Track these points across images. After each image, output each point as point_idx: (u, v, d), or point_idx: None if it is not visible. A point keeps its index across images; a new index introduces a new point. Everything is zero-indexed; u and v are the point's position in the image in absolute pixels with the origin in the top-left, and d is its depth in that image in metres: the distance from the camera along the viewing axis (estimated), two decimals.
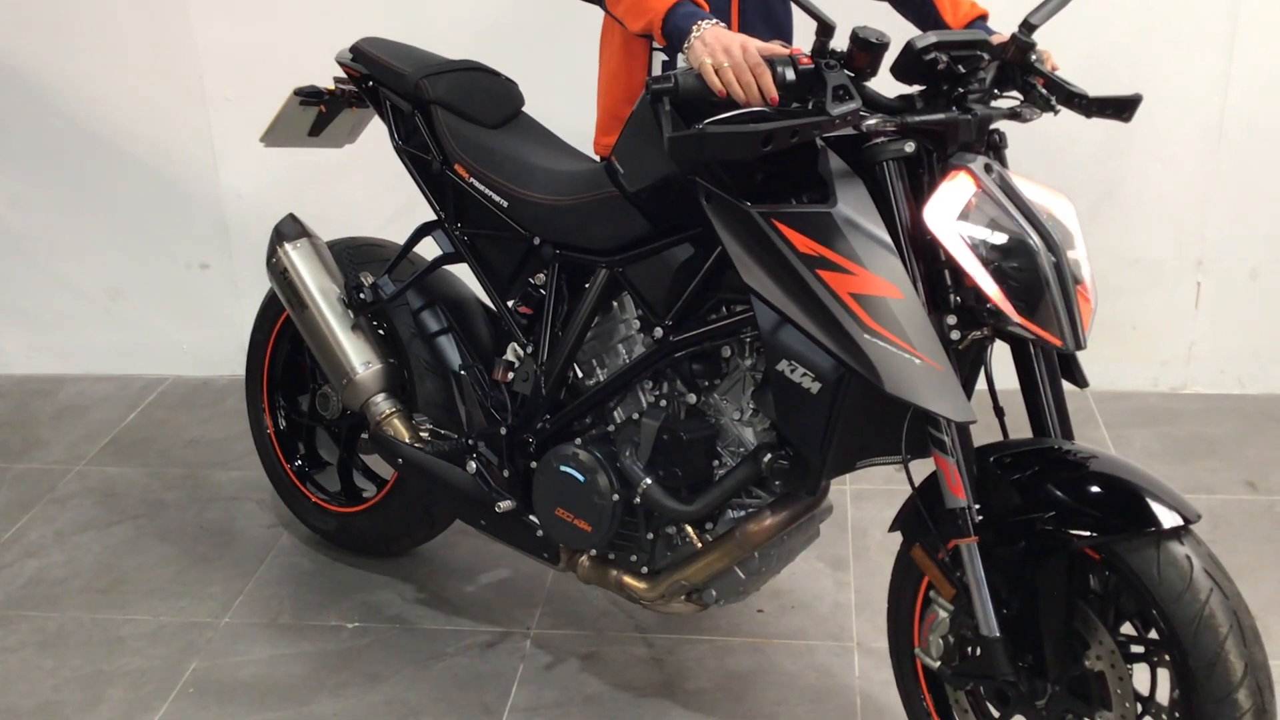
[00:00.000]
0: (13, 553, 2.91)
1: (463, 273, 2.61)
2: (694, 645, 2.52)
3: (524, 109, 2.57)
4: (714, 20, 1.90)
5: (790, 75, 1.80)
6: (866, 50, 1.80)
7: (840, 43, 1.83)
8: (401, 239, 2.78)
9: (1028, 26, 1.91)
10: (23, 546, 2.93)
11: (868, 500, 3.00)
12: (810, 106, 1.81)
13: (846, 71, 1.81)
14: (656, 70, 2.29)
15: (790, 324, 1.84)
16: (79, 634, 2.61)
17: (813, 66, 1.80)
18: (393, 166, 3.41)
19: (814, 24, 1.79)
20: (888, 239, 1.79)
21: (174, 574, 2.81)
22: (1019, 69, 1.92)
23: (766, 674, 2.43)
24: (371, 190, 3.47)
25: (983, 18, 2.18)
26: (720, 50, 1.83)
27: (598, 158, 2.48)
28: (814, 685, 2.39)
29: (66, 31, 3.48)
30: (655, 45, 2.26)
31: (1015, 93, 1.95)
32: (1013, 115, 1.92)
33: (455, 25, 3.28)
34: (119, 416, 3.54)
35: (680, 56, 1.94)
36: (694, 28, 1.89)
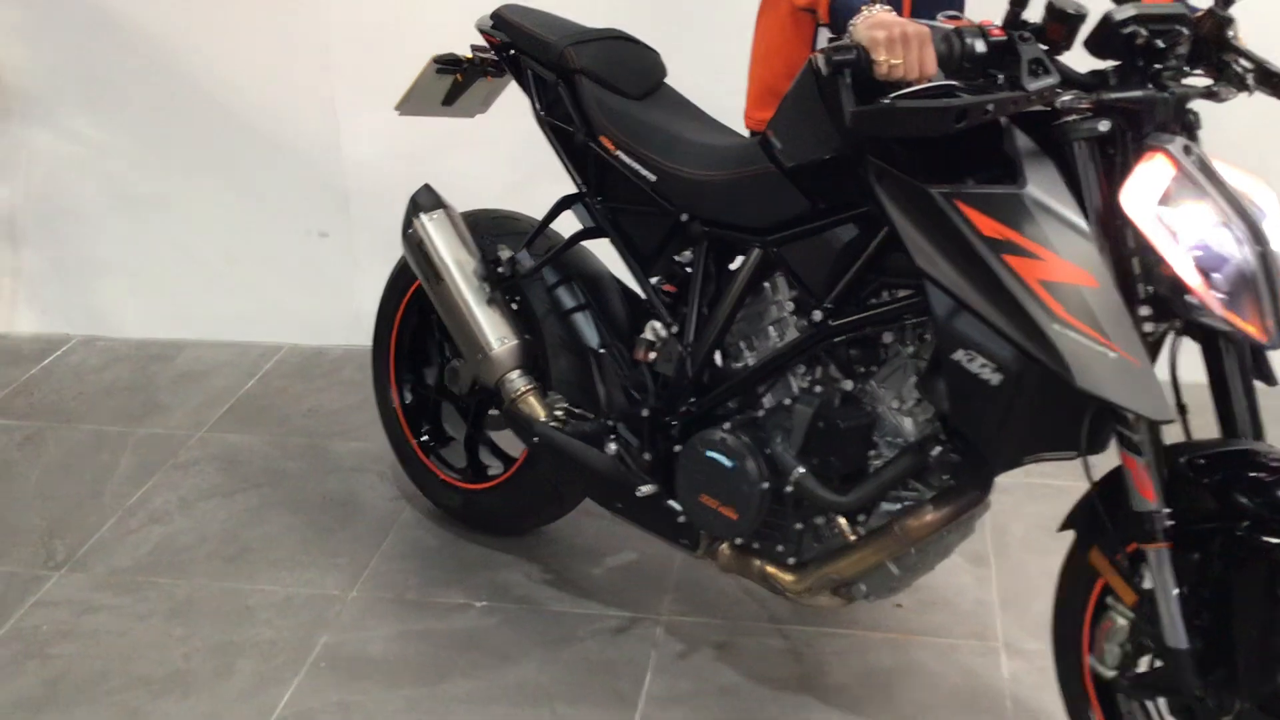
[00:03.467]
0: (138, 518, 2.91)
1: (597, 248, 2.55)
2: (832, 639, 2.44)
3: (665, 80, 2.49)
4: (884, 5, 1.81)
5: (980, 47, 1.70)
6: (1062, 21, 1.69)
7: (1029, 13, 1.73)
8: (522, 210, 2.73)
9: (1223, 1, 1.79)
10: (148, 512, 2.93)
11: (1006, 494, 2.87)
12: (1001, 80, 1.71)
13: (1040, 44, 1.70)
14: (821, 45, 2.19)
15: (969, 311, 1.75)
16: (208, 603, 2.60)
17: (1005, 38, 1.70)
18: (513, 138, 3.37)
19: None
20: (1082, 223, 1.69)
21: (299, 544, 2.79)
22: (1214, 45, 1.81)
23: (910, 672, 2.34)
24: (492, 161, 3.42)
25: None
26: (882, 26, 1.73)
27: (748, 132, 2.40)
28: (961, 686, 2.30)
29: None
30: (821, 21, 2.17)
31: (1206, 70, 1.83)
32: (1209, 94, 1.80)
33: None
34: (238, 383, 3.54)
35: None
36: (863, 7, 1.80)
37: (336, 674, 2.38)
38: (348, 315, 3.71)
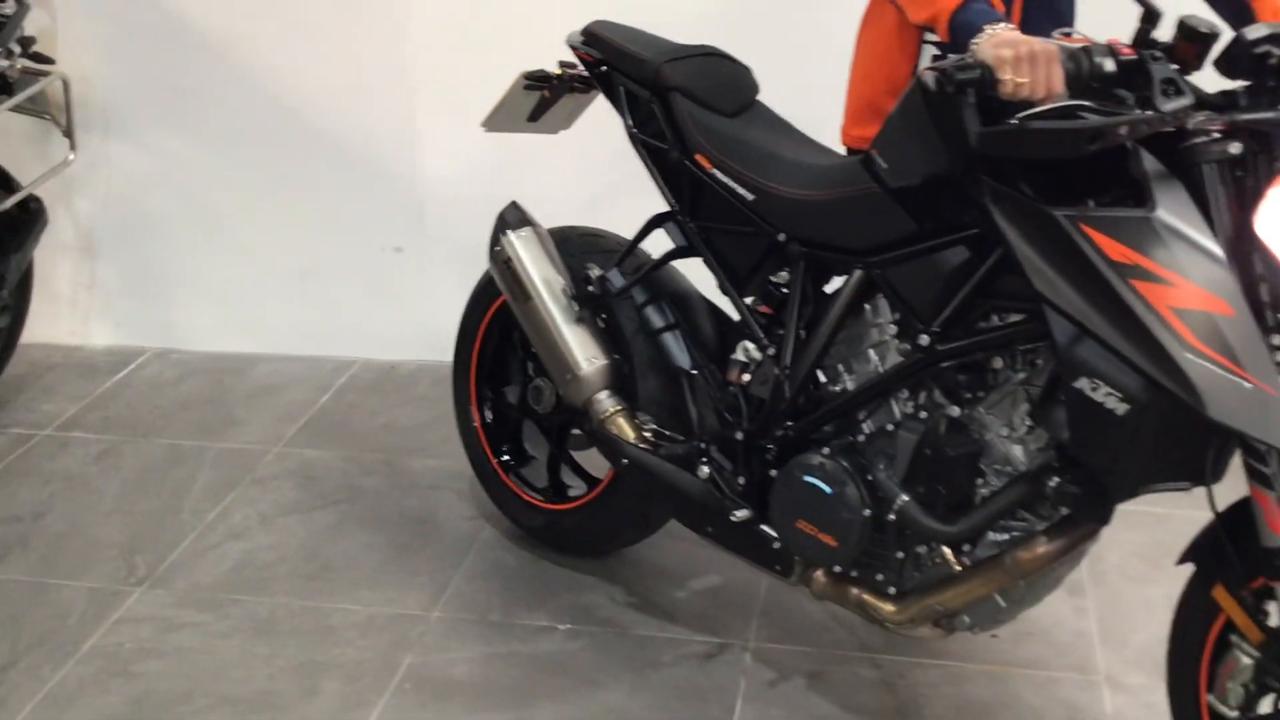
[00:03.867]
0: (218, 534, 2.90)
1: (684, 267, 2.51)
2: (926, 669, 2.38)
3: (758, 97, 2.45)
4: (1007, 23, 1.76)
5: (1110, 66, 1.65)
6: (1194, 41, 1.64)
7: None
8: (599, 227, 2.69)
9: None
10: (228, 528, 2.92)
11: None
12: (1130, 101, 1.65)
13: (1169, 64, 1.65)
14: (925, 63, 2.14)
15: (1093, 338, 1.70)
16: (290, 621, 2.58)
17: (1135, 58, 1.65)
18: (586, 155, 3.35)
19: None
20: (1215, 248, 1.63)
21: (379, 563, 2.77)
22: None
23: (1009, 706, 2.28)
24: (566, 178, 3.39)
25: None
26: (1009, 44, 1.69)
27: (844, 149, 2.35)
28: None
29: (275, 7, 3.47)
30: (927, 39, 2.12)
31: None
32: None
33: (671, 8, 3.15)
34: (312, 398, 3.53)
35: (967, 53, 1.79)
36: (986, 26, 1.75)
37: (421, 696, 2.35)
38: (421, 330, 3.69)
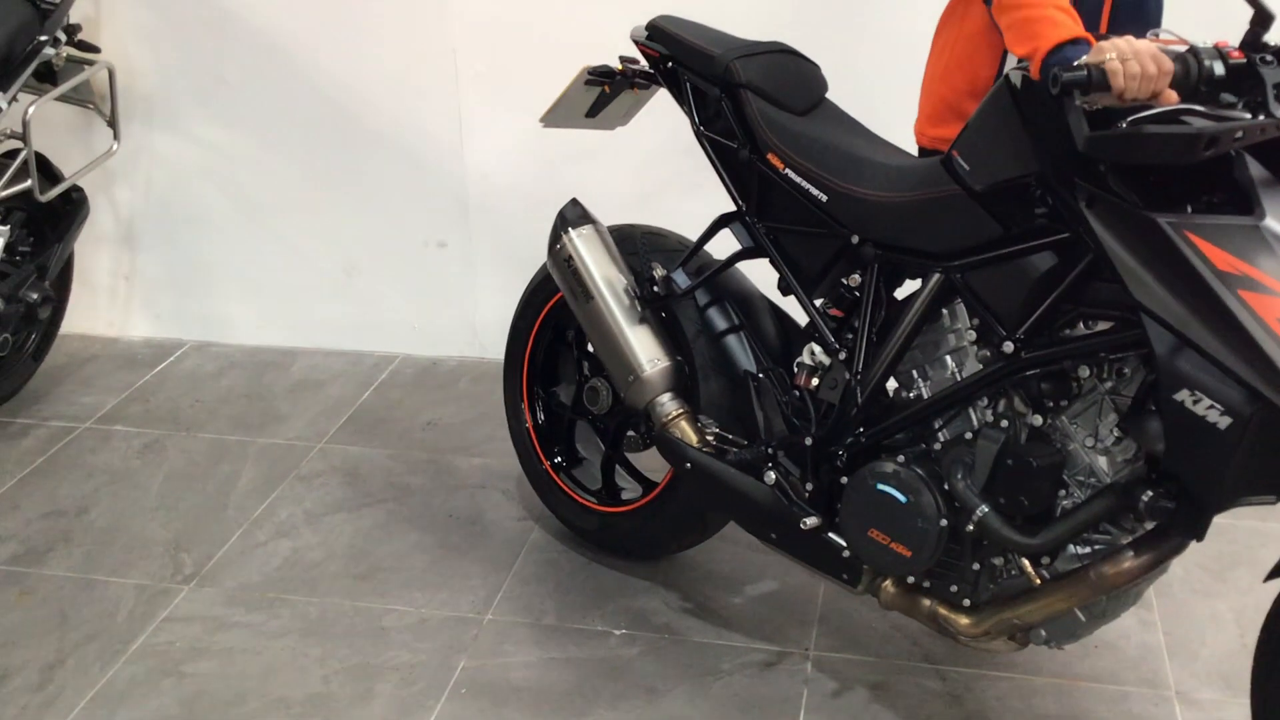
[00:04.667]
0: (265, 531, 2.86)
1: (747, 268, 2.46)
2: (993, 682, 2.33)
3: (827, 95, 2.41)
4: None
5: (1219, 70, 1.60)
6: None
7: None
8: (652, 224, 2.64)
9: None
10: (275, 525, 2.88)
11: None
12: (1240, 105, 1.61)
13: None
14: (1011, 63, 2.09)
15: (1195, 350, 1.65)
16: (342, 622, 2.54)
17: (1245, 61, 1.60)
18: (636, 152, 3.31)
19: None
20: None
21: (429, 563, 2.73)
22: None
23: None
24: (614, 175, 3.35)
25: None
26: (1117, 48, 1.64)
27: (917, 149, 2.31)
28: None
29: (320, 2, 3.42)
30: None
31: None
32: None
33: (715, 2, 3.09)
34: (354, 394, 3.49)
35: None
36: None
37: (479, 701, 2.31)
38: (464, 326, 3.65)
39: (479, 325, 3.66)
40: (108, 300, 3.83)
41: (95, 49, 3.38)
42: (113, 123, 3.44)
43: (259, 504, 2.96)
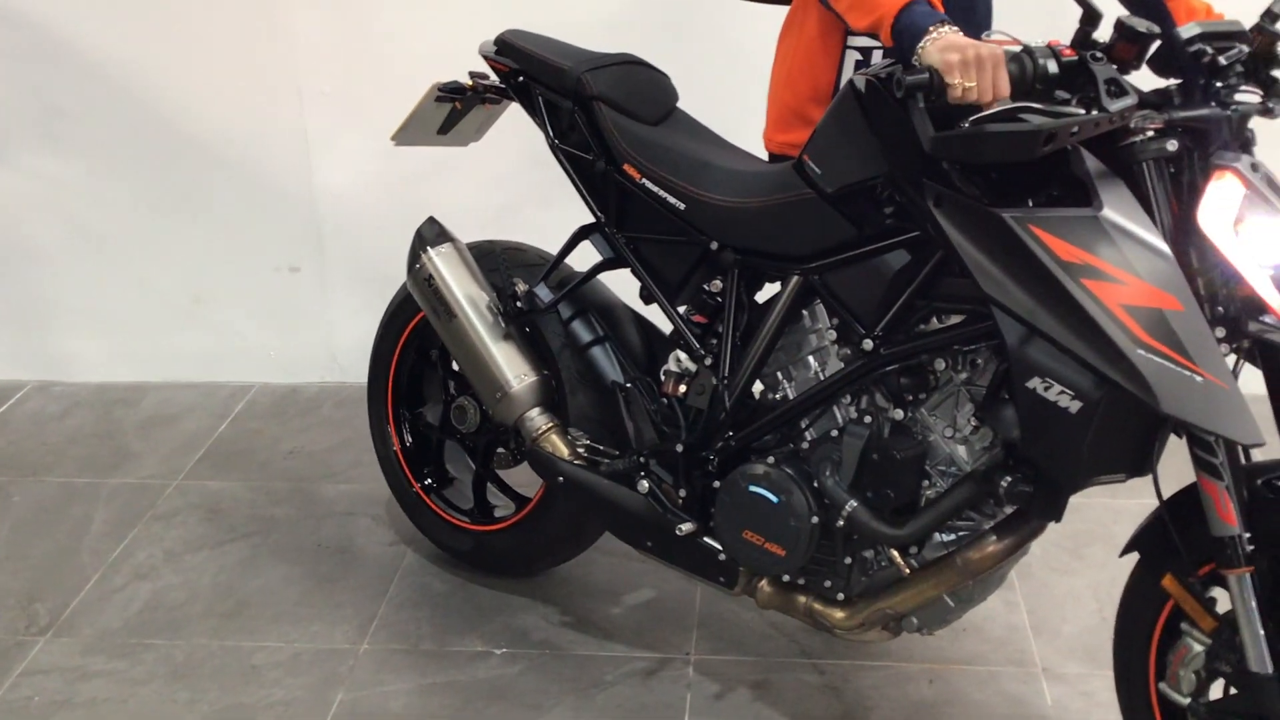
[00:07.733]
0: (123, 575, 2.75)
1: (608, 278, 2.47)
2: (869, 672, 2.38)
3: (678, 104, 2.43)
4: (951, 25, 1.77)
5: (1054, 68, 1.67)
6: (1134, 41, 1.67)
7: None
8: (511, 239, 2.63)
9: (1271, 16, 1.79)
10: (132, 568, 2.77)
11: None
12: (1074, 101, 1.67)
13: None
14: (848, 69, 2.14)
15: (1044, 338, 1.71)
16: (210, 663, 2.46)
17: (1076, 59, 1.67)
18: (490, 167, 3.29)
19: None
20: (1161, 245, 1.66)
21: (299, 596, 2.66)
22: (1263, 62, 1.80)
23: (954, 703, 2.30)
24: (468, 191, 3.33)
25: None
26: (955, 49, 1.69)
27: (766, 155, 2.34)
28: (1008, 716, 2.26)
29: (155, 22, 3.32)
30: (850, 44, 2.12)
31: (1255, 87, 1.82)
32: (1264, 111, 1.79)
33: (559, 15, 3.09)
34: (210, 426, 3.39)
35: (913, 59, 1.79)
36: (930, 28, 1.75)
37: None
38: (322, 351, 3.58)
39: (338, 349, 3.59)
40: None
41: None
42: None
43: (114, 547, 2.85)
